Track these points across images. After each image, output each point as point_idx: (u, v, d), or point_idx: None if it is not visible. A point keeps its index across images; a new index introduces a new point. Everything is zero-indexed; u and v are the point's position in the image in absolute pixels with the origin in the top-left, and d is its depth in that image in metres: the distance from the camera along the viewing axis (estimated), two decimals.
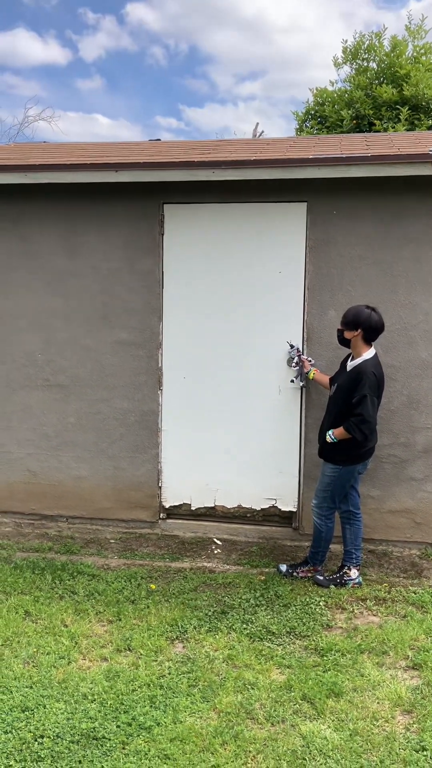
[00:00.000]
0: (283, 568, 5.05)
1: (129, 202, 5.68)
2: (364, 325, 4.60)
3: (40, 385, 6.02)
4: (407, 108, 11.31)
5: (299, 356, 5.43)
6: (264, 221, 5.53)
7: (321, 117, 12.40)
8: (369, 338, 4.67)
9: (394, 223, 5.31)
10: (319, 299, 5.48)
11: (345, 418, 4.56)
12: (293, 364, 5.47)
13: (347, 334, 4.69)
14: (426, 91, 11.36)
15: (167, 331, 5.78)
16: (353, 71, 12.81)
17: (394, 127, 11.09)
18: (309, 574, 4.96)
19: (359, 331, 4.63)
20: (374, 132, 10.66)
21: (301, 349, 5.52)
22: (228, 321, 5.67)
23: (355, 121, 11.56)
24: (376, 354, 4.70)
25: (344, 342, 4.76)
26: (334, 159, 5.10)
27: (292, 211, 5.47)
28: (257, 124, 20.80)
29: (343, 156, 5.12)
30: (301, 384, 5.54)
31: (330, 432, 4.67)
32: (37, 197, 5.81)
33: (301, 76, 39.44)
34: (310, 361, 5.41)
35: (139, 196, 5.64)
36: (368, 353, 4.64)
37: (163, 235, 5.68)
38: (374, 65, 12.51)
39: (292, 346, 5.50)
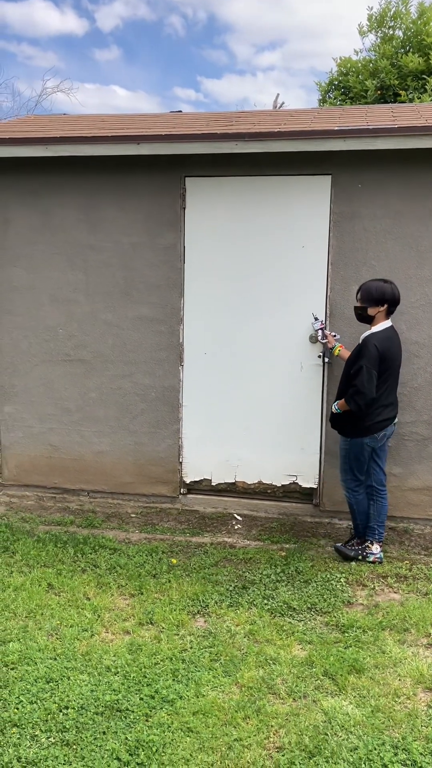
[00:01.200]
0: (339, 545, 5.04)
1: (150, 175, 5.61)
2: (389, 300, 4.61)
3: (61, 360, 6.03)
4: None
5: (323, 330, 5.37)
6: (287, 195, 5.44)
7: (345, 87, 12.14)
8: (390, 312, 4.68)
9: (420, 197, 5.20)
10: (342, 274, 5.40)
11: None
12: (319, 338, 5.41)
13: (372, 311, 4.64)
14: None
15: (188, 306, 5.74)
16: (378, 40, 12.49)
17: (420, 98, 10.82)
18: (358, 547, 4.93)
19: (385, 306, 4.61)
20: (400, 103, 10.42)
21: (325, 322, 5.46)
22: (250, 296, 5.62)
23: (379, 92, 11.29)
24: (389, 328, 4.66)
25: (366, 319, 4.70)
26: (359, 131, 4.99)
27: (316, 184, 5.38)
28: (278, 95, 20.48)
29: (370, 127, 5.00)
30: (327, 360, 5.49)
31: (335, 403, 4.75)
32: (58, 170, 5.76)
33: (322, 45, 38.55)
34: (335, 336, 5.35)
35: (161, 169, 5.57)
36: (378, 327, 4.65)
37: (185, 209, 5.61)
38: (400, 33, 12.18)
39: (316, 319, 5.44)
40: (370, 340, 4.57)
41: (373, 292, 4.60)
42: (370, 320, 4.68)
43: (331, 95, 12.54)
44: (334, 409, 4.76)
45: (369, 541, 4.92)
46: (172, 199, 5.61)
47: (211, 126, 5.76)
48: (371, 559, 4.86)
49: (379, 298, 4.59)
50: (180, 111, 8.17)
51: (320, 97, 12.72)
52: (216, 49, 44.58)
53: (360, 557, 4.87)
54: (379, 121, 5.44)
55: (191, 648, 3.74)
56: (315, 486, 5.72)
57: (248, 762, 2.86)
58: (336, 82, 12.48)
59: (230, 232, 5.58)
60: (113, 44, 43.06)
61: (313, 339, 5.49)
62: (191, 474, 5.96)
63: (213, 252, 5.63)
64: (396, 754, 2.90)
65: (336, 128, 5.06)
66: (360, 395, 4.50)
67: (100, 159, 5.60)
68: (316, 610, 4.19)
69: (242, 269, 5.60)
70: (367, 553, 4.88)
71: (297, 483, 5.76)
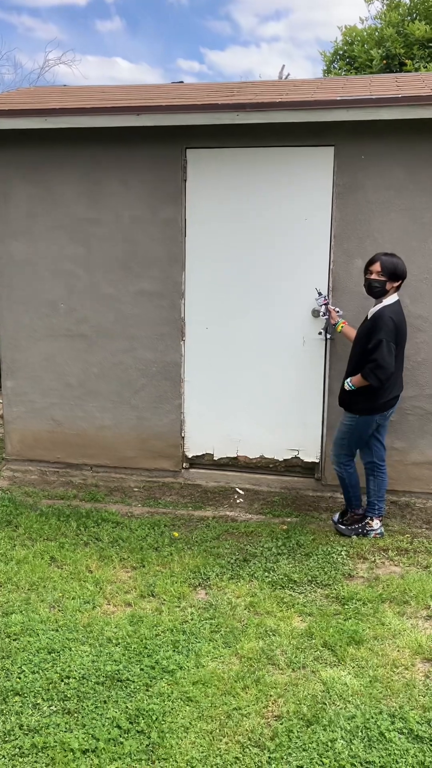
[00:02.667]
0: (336, 517, 5.07)
1: (151, 147, 5.54)
2: (403, 275, 4.57)
3: (62, 335, 6.01)
4: None
5: (326, 305, 5.32)
6: (290, 166, 5.37)
7: (350, 57, 11.91)
8: (400, 286, 4.62)
9: (425, 168, 5.12)
10: (345, 248, 5.35)
11: (363, 365, 4.51)
12: (321, 314, 5.37)
13: (389, 285, 4.54)
14: None
15: (190, 280, 5.71)
16: (384, 7, 12.23)
17: (426, 67, 10.62)
18: (357, 525, 4.92)
19: (400, 281, 4.57)
20: (405, 72, 10.24)
21: (329, 297, 5.41)
22: (252, 270, 5.58)
23: (385, 61, 11.08)
24: (398, 302, 4.60)
25: (381, 293, 4.57)
26: (363, 101, 4.91)
27: (318, 155, 5.30)
28: (283, 66, 20.15)
29: (373, 97, 4.92)
30: (329, 336, 5.45)
31: (348, 380, 4.64)
32: (58, 144, 5.69)
33: (327, 15, 37.68)
34: (337, 311, 5.31)
35: (162, 140, 5.50)
36: (389, 300, 4.56)
37: (186, 181, 5.55)
38: (407, 0, 11.94)
39: (320, 294, 5.39)
40: (384, 313, 4.48)
41: (396, 267, 4.49)
42: (383, 294, 4.57)
43: (335, 65, 12.33)
44: (347, 386, 4.63)
45: (369, 517, 4.93)
46: (173, 171, 5.55)
47: (213, 96, 5.68)
48: (372, 535, 4.87)
49: (400, 273, 4.53)
50: (181, 82, 8.06)
51: (325, 68, 12.50)
52: (220, 20, 43.76)
53: (360, 534, 4.88)
54: (382, 90, 5.35)
55: (192, 619, 3.78)
56: (317, 460, 5.73)
57: (247, 730, 2.90)
58: (341, 52, 12.25)
59: (232, 205, 5.52)
60: (116, 15, 42.29)
61: (316, 313, 5.45)
62: (193, 448, 5.97)
63: (214, 225, 5.58)
64: (393, 723, 2.94)
65: (338, 98, 4.98)
66: (381, 369, 4.42)
67: (100, 131, 5.53)
68: (317, 583, 4.22)
69: (244, 242, 5.55)
70: (367, 530, 4.89)
71: (299, 457, 5.77)
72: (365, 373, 4.48)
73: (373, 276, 4.52)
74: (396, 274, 4.50)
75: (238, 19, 44.84)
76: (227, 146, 5.43)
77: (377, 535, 4.88)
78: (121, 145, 5.59)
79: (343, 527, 4.94)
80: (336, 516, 5.07)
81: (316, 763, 2.70)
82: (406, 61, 10.93)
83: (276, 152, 5.37)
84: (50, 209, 5.84)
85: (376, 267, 4.51)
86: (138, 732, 2.89)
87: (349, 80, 6.63)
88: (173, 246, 5.66)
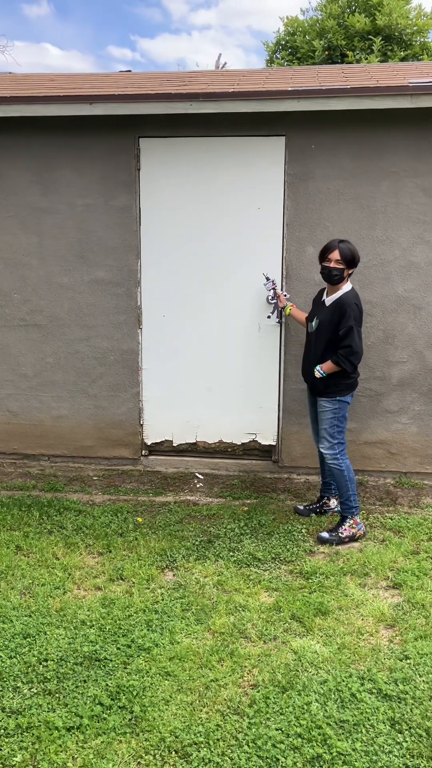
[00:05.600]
0: (300, 507, 5.08)
1: (104, 136, 5.55)
2: (357, 260, 4.63)
3: (17, 325, 5.97)
4: (380, 38, 11.08)
5: (274, 290, 5.45)
6: (242, 156, 5.47)
7: (292, 48, 12.08)
8: (353, 273, 4.74)
9: (373, 157, 5.31)
10: (297, 236, 5.49)
11: (332, 352, 4.59)
12: (270, 298, 5.50)
13: (347, 272, 4.60)
14: (399, 21, 11.12)
15: (145, 269, 5.75)
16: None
17: (367, 59, 10.88)
18: (353, 530, 4.66)
19: (353, 268, 4.64)
20: (347, 63, 10.45)
21: (276, 283, 5.53)
22: (207, 258, 5.67)
23: (327, 52, 11.30)
24: (353, 287, 4.72)
25: (339, 280, 4.60)
26: (314, 91, 5.04)
27: (270, 145, 5.42)
28: (219, 55, 20.18)
29: (323, 88, 5.06)
30: (277, 321, 5.59)
31: (318, 367, 4.64)
32: (9, 132, 5.63)
33: (259, 4, 37.89)
34: (285, 296, 5.44)
35: (115, 129, 5.52)
36: (348, 286, 4.63)
37: (139, 170, 5.59)
38: None
39: (267, 279, 5.51)
40: (350, 299, 4.53)
41: (354, 255, 4.57)
42: (341, 281, 4.61)
43: (278, 55, 12.48)
44: (317, 374, 4.63)
45: (326, 498, 5.10)
46: (127, 159, 5.58)
47: (165, 86, 5.71)
48: (329, 514, 5.05)
49: (357, 260, 4.62)
50: (129, 70, 8.04)
51: (268, 57, 12.63)
52: (150, 7, 43.40)
53: (318, 513, 5.05)
54: (331, 81, 5.50)
55: (163, 600, 3.86)
56: (274, 443, 5.88)
57: (225, 699, 3.02)
58: (283, 42, 12.41)
59: (186, 194, 5.59)
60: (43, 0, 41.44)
61: (268, 298, 5.57)
62: (152, 436, 6.04)
63: (169, 213, 5.64)
64: (363, 684, 3.10)
65: (290, 88, 5.10)
66: (355, 355, 4.51)
67: (52, 119, 5.50)
68: (281, 560, 4.36)
69: (199, 231, 5.63)
70: (325, 510, 5.07)
71: (256, 441, 5.90)
72: (339, 360, 4.52)
73: (332, 264, 4.54)
74: (354, 261, 4.59)
75: (168, 6, 44.56)
76: (180, 135, 5.49)
77: (335, 513, 5.06)
78: (73, 134, 5.58)
79: (301, 508, 5.09)
80: (331, 531, 4.69)
81: (294, 724, 2.83)
82: (348, 52, 11.16)
83: (229, 142, 5.46)
84: (1, 198, 5.79)
85: (335, 255, 4.52)
86: (120, 707, 2.97)
87: (297, 71, 6.76)
88: (128, 234, 5.69)
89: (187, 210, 5.61)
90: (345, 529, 4.65)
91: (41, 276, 5.87)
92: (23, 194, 5.76)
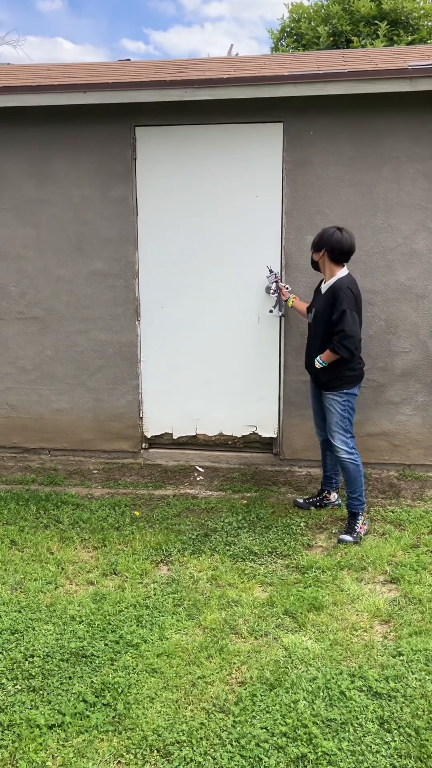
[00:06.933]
0: (300, 501, 4.98)
1: (99, 125, 5.48)
2: (327, 245, 4.43)
3: (15, 318, 5.93)
4: (386, 23, 10.88)
5: (277, 283, 5.36)
6: (239, 143, 5.37)
7: (297, 35, 11.91)
8: (337, 259, 4.47)
9: (373, 143, 5.19)
10: (296, 224, 5.39)
11: (330, 340, 4.45)
12: (271, 292, 5.41)
13: (315, 256, 4.56)
14: (405, 5, 10.90)
15: (143, 260, 5.68)
16: None
17: (372, 44, 10.71)
18: (365, 526, 4.57)
19: (323, 251, 4.48)
20: (352, 49, 10.28)
21: (279, 275, 5.45)
22: (206, 249, 5.58)
23: (332, 38, 11.13)
24: (350, 274, 4.58)
25: (315, 266, 4.62)
26: (310, 76, 4.93)
27: (267, 132, 5.32)
28: (231, 45, 19.97)
29: (320, 72, 4.95)
30: (280, 314, 5.49)
31: (318, 358, 4.53)
32: (4, 123, 5.58)
33: None
34: (287, 288, 5.35)
35: (110, 118, 5.44)
36: (341, 272, 4.49)
37: (135, 159, 5.51)
38: None
39: (271, 271, 5.42)
40: (342, 284, 4.41)
41: (316, 237, 4.51)
42: (317, 268, 4.59)
43: (283, 43, 12.32)
44: (318, 364, 4.52)
45: (326, 491, 5.00)
46: (123, 149, 5.50)
47: (161, 73, 5.63)
48: (329, 507, 4.97)
49: (317, 242, 4.50)
50: (128, 59, 7.95)
51: (272, 45, 12.47)
52: (162, 0, 43.16)
53: (318, 507, 4.96)
54: (329, 66, 5.38)
55: (155, 595, 3.81)
56: (275, 435, 5.79)
57: (211, 697, 2.95)
58: (288, 29, 12.24)
59: (183, 183, 5.51)
60: None
61: (269, 290, 5.49)
62: (152, 429, 5.98)
63: (166, 203, 5.56)
64: (353, 682, 3.02)
65: (287, 73, 5.00)
66: (349, 339, 4.35)
67: (47, 110, 5.44)
68: (277, 554, 4.29)
69: (197, 220, 5.55)
70: (325, 503, 4.98)
71: (257, 433, 5.83)
72: (334, 346, 4.40)
73: (316, 254, 4.57)
74: (314, 243, 4.52)
75: None
76: (176, 123, 5.40)
77: (335, 507, 4.97)
78: (69, 124, 5.51)
79: (301, 501, 5.01)
80: (350, 532, 4.55)
81: (280, 723, 2.76)
82: (353, 38, 10.99)
83: (225, 129, 5.36)
84: None
85: (318, 246, 4.52)
86: (104, 705, 2.91)
87: (296, 56, 6.65)
88: (125, 225, 5.62)
89: (184, 199, 5.53)
90: (360, 527, 4.54)
91: (39, 268, 5.82)
92: (19, 186, 5.70)
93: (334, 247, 4.42)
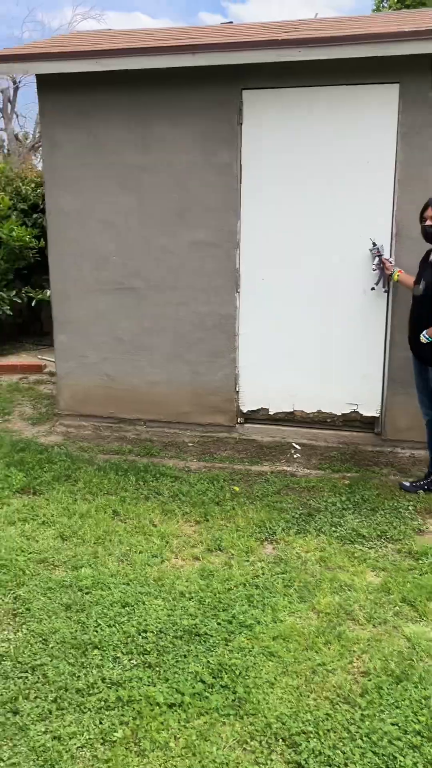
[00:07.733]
0: (406, 484, 4.81)
1: (205, 89, 5.31)
2: None
3: (113, 288, 5.88)
4: None
5: (380, 257, 5.11)
6: (351, 106, 5.10)
7: None
8: None
9: None
10: (410, 191, 5.09)
11: None
12: (373, 267, 5.16)
13: (429, 211, 4.34)
14: None
15: (245, 229, 5.51)
16: None
17: None
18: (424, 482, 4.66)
19: None
20: None
21: (383, 249, 5.17)
22: (310, 217, 5.36)
23: None
24: None
25: (427, 236, 4.41)
26: None
27: (382, 93, 5.02)
28: (316, 14, 19.22)
29: None
30: (384, 290, 5.23)
31: (425, 332, 4.37)
32: (106, 88, 5.47)
33: None
34: (391, 261, 5.09)
35: (216, 81, 5.26)
36: None
37: (241, 124, 5.31)
38: None
39: (374, 245, 5.17)
40: None
41: None
42: None
43: (385, 4, 11.75)
44: (423, 339, 4.37)
45: None
46: (229, 114, 5.31)
47: (271, 34, 5.38)
48: None
49: None
50: (231, 22, 7.71)
51: (374, 7, 11.92)
52: None
53: (426, 491, 4.74)
54: None
55: (263, 574, 3.70)
56: (377, 414, 5.57)
57: (334, 686, 2.83)
58: None
59: (289, 149, 5.28)
60: None
61: (374, 265, 5.22)
62: (248, 403, 5.85)
63: (271, 170, 5.35)
64: None
65: (408, 29, 4.68)
66: None
67: (150, 73, 5.29)
68: (387, 538, 4.11)
69: (302, 188, 5.32)
70: None
71: (358, 412, 5.61)
72: None
73: (429, 222, 4.34)
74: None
75: None
76: (285, 86, 5.17)
77: None
78: (173, 88, 5.36)
79: (407, 484, 4.79)
80: (407, 483, 4.78)
81: (412, 720, 2.61)
82: None
83: (336, 91, 5.10)
84: (99, 158, 5.66)
85: (430, 212, 4.32)
86: (222, 687, 2.83)
87: (412, 14, 6.26)
88: (228, 193, 5.45)
89: (289, 166, 5.31)
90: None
91: (139, 238, 5.73)
92: (121, 153, 5.60)
93: None
